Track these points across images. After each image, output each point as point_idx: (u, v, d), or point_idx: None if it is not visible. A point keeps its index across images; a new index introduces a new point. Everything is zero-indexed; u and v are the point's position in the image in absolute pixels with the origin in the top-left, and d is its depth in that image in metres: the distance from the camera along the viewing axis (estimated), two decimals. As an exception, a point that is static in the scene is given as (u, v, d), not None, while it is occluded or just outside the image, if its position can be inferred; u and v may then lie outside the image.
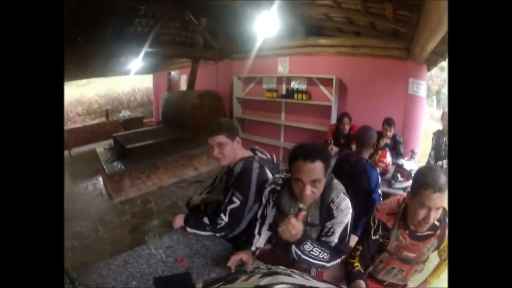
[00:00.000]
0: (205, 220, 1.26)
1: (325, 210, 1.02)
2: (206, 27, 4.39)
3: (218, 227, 1.24)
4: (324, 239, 1.04)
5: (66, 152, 7.04)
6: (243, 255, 1.08)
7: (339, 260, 1.06)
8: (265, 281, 0.28)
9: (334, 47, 3.65)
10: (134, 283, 1.04)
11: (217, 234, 1.26)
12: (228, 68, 4.95)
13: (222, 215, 1.24)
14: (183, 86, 6.23)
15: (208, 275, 1.04)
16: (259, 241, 1.19)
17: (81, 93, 10.31)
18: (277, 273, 0.30)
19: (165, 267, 1.10)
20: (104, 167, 4.12)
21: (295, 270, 0.33)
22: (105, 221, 3.61)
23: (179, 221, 1.33)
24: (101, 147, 4.97)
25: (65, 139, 7.23)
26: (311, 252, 0.98)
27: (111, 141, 5.11)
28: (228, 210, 1.24)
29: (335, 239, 1.02)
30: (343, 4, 3.07)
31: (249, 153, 1.35)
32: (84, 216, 3.81)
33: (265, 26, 3.15)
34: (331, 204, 1.01)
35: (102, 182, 4.65)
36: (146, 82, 9.61)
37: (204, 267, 1.09)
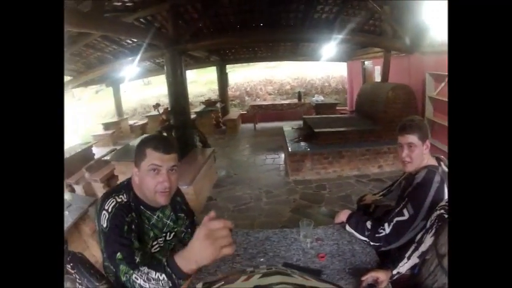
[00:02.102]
0: (368, 224, 1.20)
1: None
2: (391, 16, 4.18)
3: (376, 235, 1.16)
4: None
5: (251, 125, 7.71)
6: (381, 275, 1.00)
7: None
8: (265, 281, 0.28)
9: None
10: (262, 260, 1.04)
11: (372, 243, 1.18)
12: (420, 62, 4.49)
13: (386, 225, 1.15)
14: (378, 77, 6.08)
15: (337, 281, 0.98)
16: (404, 266, 1.06)
17: (272, 74, 11.47)
18: (277, 273, 0.30)
19: (302, 257, 1.08)
20: (288, 145, 4.20)
21: (295, 271, 0.33)
22: (272, 194, 3.70)
23: (343, 216, 1.28)
24: (288, 126, 5.10)
25: (251, 113, 7.94)
26: None
27: (300, 122, 5.25)
28: (394, 221, 1.14)
29: None
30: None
31: (433, 162, 1.20)
32: (251, 184, 4.00)
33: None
34: None
35: (282, 159, 4.77)
36: (341, 70, 9.68)
37: (338, 273, 1.03)
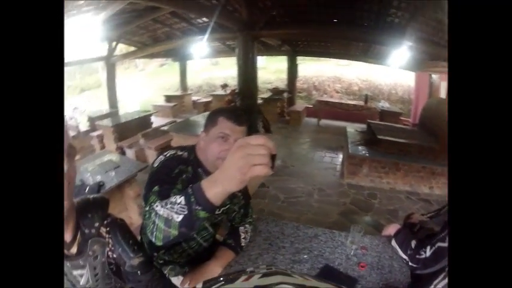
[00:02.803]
0: (412, 243, 1.17)
1: None
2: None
3: (417, 256, 1.13)
4: None
5: (314, 120, 7.63)
6: None
7: None
8: (265, 281, 0.28)
9: None
10: (305, 256, 1.06)
11: (410, 264, 1.15)
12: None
13: (428, 248, 1.11)
14: (443, 93, 5.97)
15: None
16: None
17: (342, 73, 11.24)
18: (277, 273, 0.30)
19: (344, 262, 1.08)
20: (349, 146, 4.16)
21: (295, 271, 0.33)
22: (324, 192, 3.69)
23: (391, 230, 1.26)
24: (351, 128, 5.07)
25: (317, 108, 7.85)
26: None
27: (363, 125, 5.21)
28: (436, 246, 1.09)
29: None
30: None
31: None
32: (306, 178, 4.00)
33: None
34: None
35: (340, 159, 4.75)
36: (409, 79, 9.37)
37: (373, 286, 1.03)
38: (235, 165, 0.55)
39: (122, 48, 8.51)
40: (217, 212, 1.12)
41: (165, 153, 1.03)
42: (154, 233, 0.76)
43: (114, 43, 7.12)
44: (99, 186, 2.22)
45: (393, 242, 1.22)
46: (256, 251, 1.13)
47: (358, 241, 1.16)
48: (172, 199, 0.70)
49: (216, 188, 0.60)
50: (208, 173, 1.03)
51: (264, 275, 0.30)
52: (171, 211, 0.69)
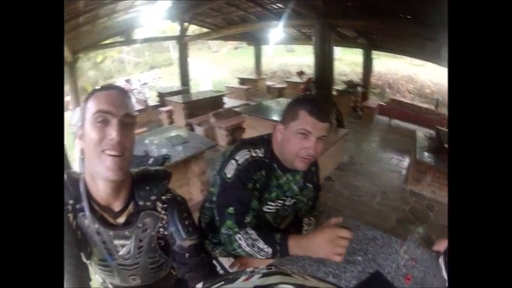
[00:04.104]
0: None
1: None
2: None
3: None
4: None
5: (386, 118, 7.37)
6: None
7: None
8: (265, 281, 0.28)
9: None
10: (359, 258, 1.05)
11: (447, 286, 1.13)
12: None
13: None
14: None
15: None
16: None
17: (415, 73, 10.94)
18: (277, 273, 0.30)
19: (393, 271, 1.06)
20: (416, 151, 4.00)
21: (295, 271, 0.33)
22: (386, 195, 3.63)
23: (442, 246, 1.17)
24: (421, 132, 4.92)
25: (390, 107, 7.62)
26: None
27: (432, 131, 5.04)
28: None
29: None
30: None
31: None
32: (371, 179, 3.96)
33: None
34: None
35: (406, 163, 4.65)
36: None
37: None
38: (323, 251, 0.71)
39: (194, 29, 8.65)
40: (286, 204, 1.08)
41: (237, 157, 0.94)
42: (233, 253, 0.90)
43: (186, 24, 7.19)
44: (164, 159, 2.15)
45: (440, 260, 1.13)
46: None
47: (411, 252, 1.12)
48: (260, 244, 0.82)
49: (299, 252, 0.77)
50: (283, 168, 0.99)
51: (264, 275, 0.30)
52: (257, 253, 0.82)
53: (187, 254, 0.73)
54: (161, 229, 0.74)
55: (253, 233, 0.83)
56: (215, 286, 0.30)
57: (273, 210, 1.06)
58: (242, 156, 0.94)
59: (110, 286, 0.86)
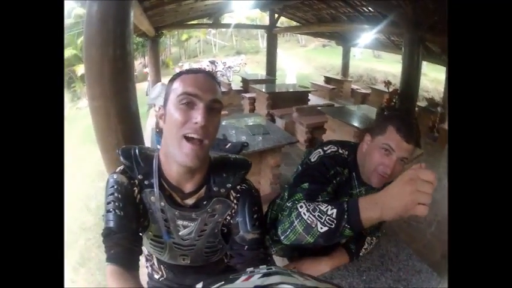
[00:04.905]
0: None
1: None
2: None
3: None
4: None
5: None
6: None
7: None
8: (265, 281, 0.28)
9: None
10: None
11: None
12: None
13: None
14: None
15: None
16: None
17: None
18: (277, 273, 0.30)
19: None
20: None
21: (295, 270, 0.33)
22: (441, 227, 3.39)
23: None
24: None
25: None
26: None
27: None
28: None
29: None
30: None
31: None
32: (432, 205, 3.67)
33: None
34: None
35: None
36: None
37: None
38: (402, 198, 0.55)
39: (282, 21, 8.76)
40: None
41: (326, 148, 0.95)
42: (287, 233, 0.75)
43: (276, 15, 7.31)
44: (243, 146, 2.08)
45: None
46: (367, 264, 1.10)
47: None
48: (323, 207, 0.70)
49: (373, 213, 0.61)
50: (359, 179, 0.98)
51: (264, 275, 0.30)
52: (317, 219, 0.69)
53: (246, 246, 0.71)
54: (228, 217, 0.72)
55: (318, 203, 0.74)
56: (215, 286, 0.30)
57: None
58: (329, 148, 0.96)
59: (155, 261, 0.85)
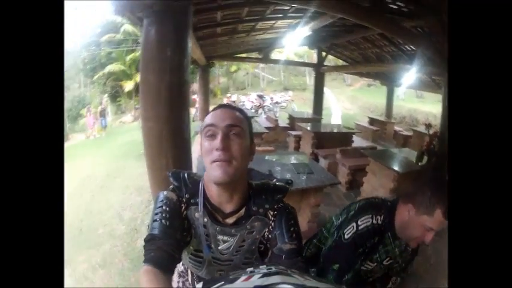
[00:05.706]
0: None
1: None
2: None
3: None
4: None
5: None
6: None
7: None
8: (265, 281, 0.28)
9: None
10: None
11: None
12: None
13: None
14: None
15: None
16: None
17: None
18: (277, 273, 0.30)
19: None
20: None
21: (295, 270, 0.33)
22: None
23: None
24: None
25: None
26: None
27: None
28: None
29: None
30: None
31: None
32: None
33: None
34: None
35: None
36: None
37: None
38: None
39: (329, 58, 8.91)
40: (384, 263, 1.09)
41: (360, 222, 0.98)
42: None
43: (323, 53, 7.44)
44: (287, 183, 2.17)
45: None
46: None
47: None
48: None
49: None
50: (395, 236, 1.01)
51: (264, 275, 0.30)
52: None
53: (283, 256, 0.74)
54: (267, 233, 0.77)
55: None
56: (215, 286, 0.30)
57: (369, 268, 1.09)
58: (364, 222, 0.98)
59: (189, 277, 0.89)
